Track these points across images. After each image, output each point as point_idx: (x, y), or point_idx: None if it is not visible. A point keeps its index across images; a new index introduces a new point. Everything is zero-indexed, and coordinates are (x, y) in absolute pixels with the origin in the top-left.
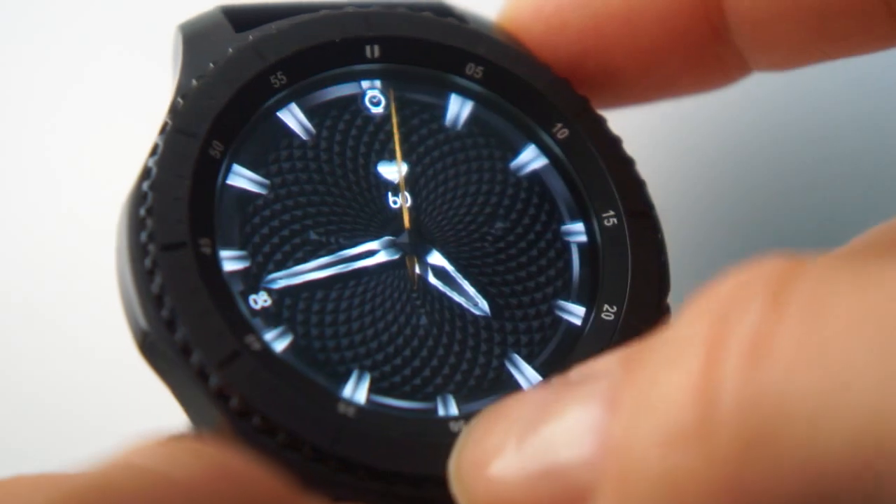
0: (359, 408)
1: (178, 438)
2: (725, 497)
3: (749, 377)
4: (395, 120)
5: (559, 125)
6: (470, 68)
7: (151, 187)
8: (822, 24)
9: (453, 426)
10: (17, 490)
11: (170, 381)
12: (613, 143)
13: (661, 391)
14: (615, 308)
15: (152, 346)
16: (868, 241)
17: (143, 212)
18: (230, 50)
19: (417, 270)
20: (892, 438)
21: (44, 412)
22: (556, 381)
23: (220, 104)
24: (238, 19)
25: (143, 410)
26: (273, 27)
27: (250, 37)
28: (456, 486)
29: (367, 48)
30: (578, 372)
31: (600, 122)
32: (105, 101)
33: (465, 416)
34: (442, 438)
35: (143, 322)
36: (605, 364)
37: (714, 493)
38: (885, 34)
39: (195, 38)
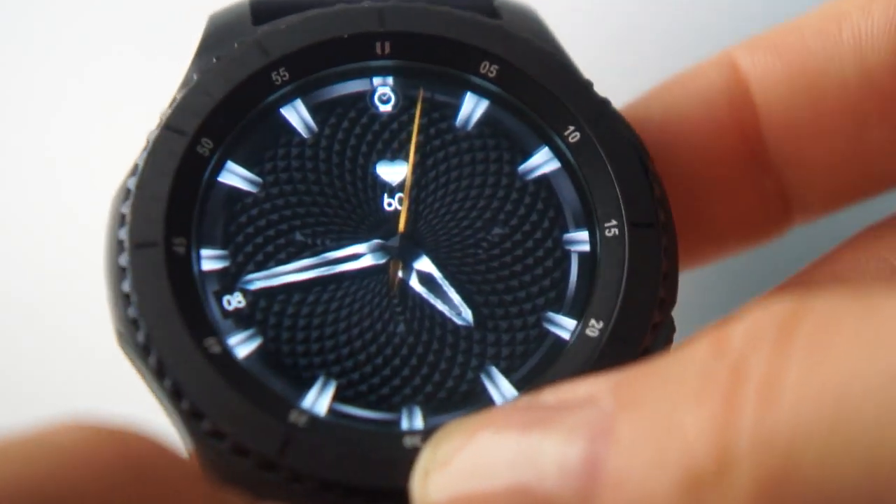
0: (312, 417)
1: (89, 422)
2: None
3: (762, 417)
4: (417, 122)
5: (571, 128)
6: (484, 66)
7: (135, 185)
8: (860, 133)
9: (407, 441)
10: None
11: (141, 377)
12: (628, 149)
13: (677, 431)
14: (601, 324)
15: (122, 344)
16: (862, 240)
17: (124, 209)
18: (235, 45)
19: (400, 275)
20: None
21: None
22: (527, 400)
23: (215, 101)
24: (261, 12)
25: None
26: (283, 22)
27: (258, 31)
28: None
29: (378, 44)
30: (554, 395)
31: (618, 128)
32: (111, 96)
33: (425, 431)
34: (394, 453)
35: (115, 319)
36: (589, 390)
37: None
38: None
39: (217, 29)
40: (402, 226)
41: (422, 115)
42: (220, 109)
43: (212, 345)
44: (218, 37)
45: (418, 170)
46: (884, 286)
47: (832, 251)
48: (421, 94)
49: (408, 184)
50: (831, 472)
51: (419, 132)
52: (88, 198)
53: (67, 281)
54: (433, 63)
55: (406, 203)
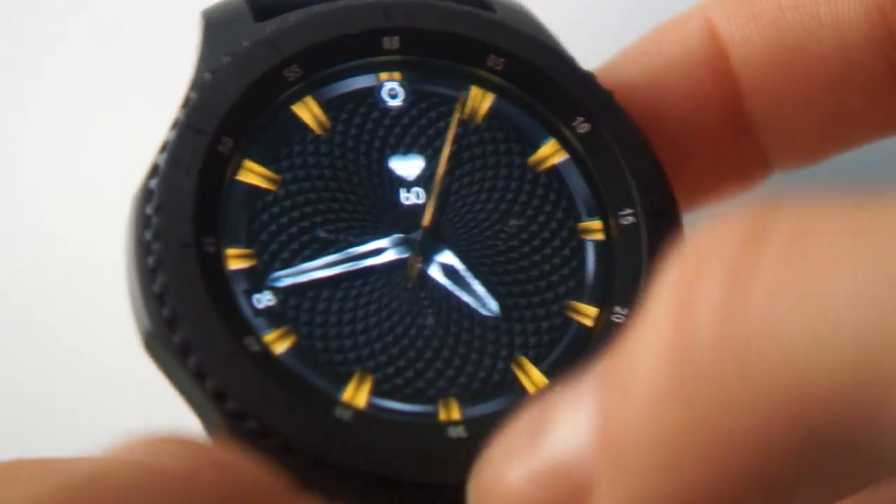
0: (356, 412)
1: (168, 435)
2: (712, 450)
3: (724, 319)
4: (454, 120)
5: (580, 119)
6: (491, 60)
7: (158, 185)
8: (838, 102)
9: (451, 431)
10: (15, 475)
11: (172, 380)
12: (637, 138)
13: (636, 362)
14: (626, 311)
15: (154, 346)
16: None
17: (149, 210)
18: (245, 43)
19: (418, 268)
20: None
21: (55, 410)
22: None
23: (232, 99)
24: (259, 8)
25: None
26: (290, 19)
27: (267, 29)
28: None
29: (386, 40)
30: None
31: (624, 118)
32: (122, 92)
33: (466, 421)
34: (441, 445)
35: (145, 321)
36: (594, 365)
37: (703, 447)
38: None
39: (214, 26)
40: (427, 220)
41: (430, 110)
42: (238, 107)
43: (251, 343)
44: (219, 34)
45: (433, 164)
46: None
47: None
48: (468, 95)
49: (438, 179)
50: (810, 374)
51: (429, 126)
52: (104, 191)
53: (78, 277)
54: (440, 58)
55: (434, 197)
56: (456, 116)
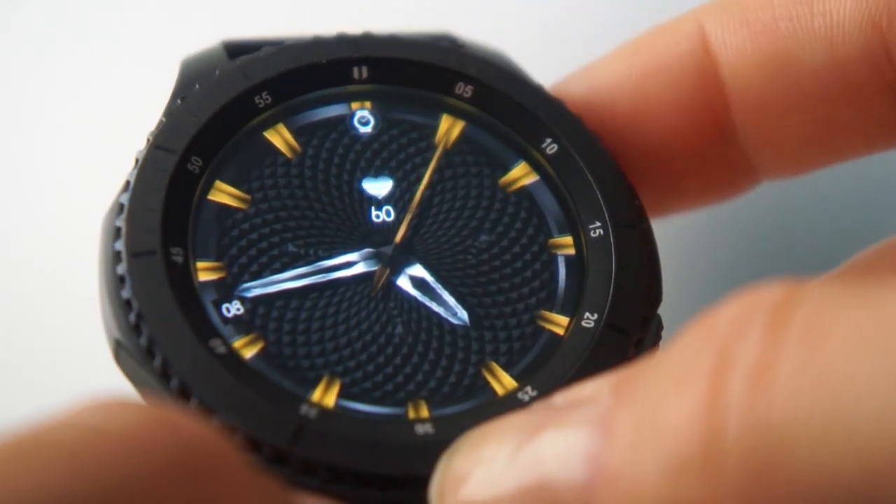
0: (322, 409)
1: (118, 398)
2: None
3: (753, 405)
4: (439, 151)
5: (549, 140)
6: (459, 87)
7: (128, 199)
8: (829, 115)
9: (419, 428)
10: None
11: (139, 388)
12: (605, 157)
13: (664, 419)
14: (595, 315)
15: (122, 354)
16: (865, 262)
17: (118, 222)
18: (216, 72)
19: (385, 279)
20: None
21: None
22: (540, 405)
23: (201, 121)
24: (235, 50)
25: None
26: (262, 51)
27: (238, 61)
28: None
29: (355, 69)
30: (563, 397)
31: (593, 139)
32: (106, 116)
33: (434, 419)
34: (407, 440)
35: (114, 328)
36: (594, 389)
37: None
38: (891, 130)
39: (190, 62)
40: (399, 236)
41: (400, 136)
42: (207, 130)
43: (217, 345)
44: (193, 69)
45: (403, 185)
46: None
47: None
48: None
49: (416, 199)
50: (826, 463)
51: (399, 151)
52: (80, 212)
53: (53, 294)
54: (409, 86)
55: (409, 216)
56: (440, 149)
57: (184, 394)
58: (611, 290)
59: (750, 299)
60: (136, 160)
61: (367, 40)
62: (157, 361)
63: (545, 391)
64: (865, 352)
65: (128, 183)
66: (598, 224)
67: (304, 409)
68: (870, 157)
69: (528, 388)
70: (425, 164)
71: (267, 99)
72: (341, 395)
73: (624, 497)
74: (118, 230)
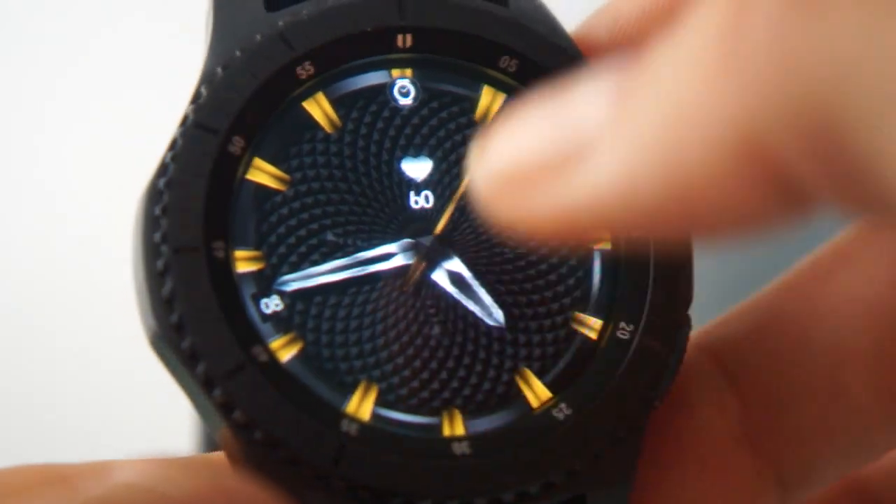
0: (362, 425)
1: (173, 460)
2: (734, 132)
3: (790, 22)
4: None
5: None
6: (504, 61)
7: (167, 185)
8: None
9: (456, 448)
10: (23, 486)
11: (178, 381)
12: None
13: (683, 35)
14: (631, 327)
15: (161, 346)
16: None
17: (157, 210)
18: (257, 37)
19: (419, 274)
20: None
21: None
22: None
23: (244, 98)
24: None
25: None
26: (303, 12)
27: (279, 22)
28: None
29: (400, 37)
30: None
31: None
32: (127, 83)
33: (470, 437)
34: (446, 460)
35: (153, 323)
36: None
37: (725, 130)
38: None
39: (224, 13)
40: (440, 227)
41: (440, 110)
42: (249, 106)
43: (259, 353)
44: (229, 20)
45: (443, 165)
46: None
47: None
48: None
49: (461, 188)
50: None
51: (440, 126)
52: (108, 187)
53: (79, 276)
54: (453, 56)
55: (452, 206)
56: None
57: (227, 406)
58: (648, 300)
59: None
60: (175, 140)
61: (410, 2)
62: (200, 370)
63: (579, 409)
64: None
65: (166, 166)
66: None
67: (344, 424)
68: None
69: (563, 406)
70: (465, 142)
71: (309, 69)
72: (378, 402)
73: (632, 111)
74: (157, 220)
